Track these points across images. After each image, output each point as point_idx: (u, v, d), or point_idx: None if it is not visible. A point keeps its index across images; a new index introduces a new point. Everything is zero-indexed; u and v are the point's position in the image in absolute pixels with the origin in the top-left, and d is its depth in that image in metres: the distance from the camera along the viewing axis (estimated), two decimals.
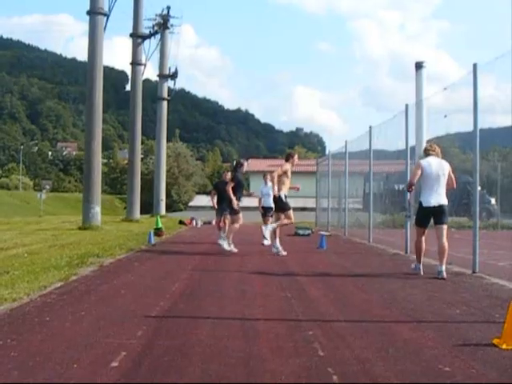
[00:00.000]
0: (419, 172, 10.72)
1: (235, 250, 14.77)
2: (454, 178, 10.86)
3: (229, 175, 17.51)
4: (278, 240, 14.72)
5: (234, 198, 14.90)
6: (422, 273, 10.89)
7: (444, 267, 10.33)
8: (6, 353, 5.04)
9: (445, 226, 10.62)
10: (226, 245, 14.88)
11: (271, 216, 17.71)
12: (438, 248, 10.62)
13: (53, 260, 11.93)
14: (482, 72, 10.82)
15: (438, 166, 10.73)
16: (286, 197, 14.49)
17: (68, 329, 6.03)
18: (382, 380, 4.36)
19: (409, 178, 11.59)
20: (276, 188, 14.27)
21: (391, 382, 4.32)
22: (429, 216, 10.78)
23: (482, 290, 8.99)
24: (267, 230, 14.64)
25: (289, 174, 14.51)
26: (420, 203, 10.91)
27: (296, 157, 15.10)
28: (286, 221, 14.58)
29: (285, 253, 14.30)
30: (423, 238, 11.07)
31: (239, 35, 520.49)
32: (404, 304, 7.70)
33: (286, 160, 14.86)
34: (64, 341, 5.52)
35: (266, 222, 17.79)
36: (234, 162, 16.63)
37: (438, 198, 10.59)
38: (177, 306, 7.52)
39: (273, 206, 16.74)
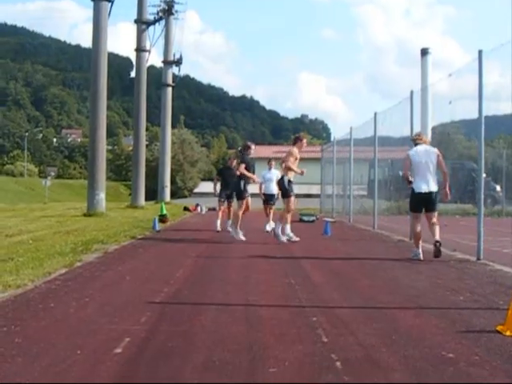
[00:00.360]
0: (408, 163, 11.38)
1: (243, 238, 14.28)
2: (443, 165, 11.35)
3: (234, 162, 17.27)
4: (289, 226, 14.23)
5: (251, 175, 14.64)
6: (421, 257, 11.08)
7: (437, 237, 10.88)
8: (11, 339, 5.05)
9: (435, 213, 11.25)
10: (237, 234, 14.40)
11: (273, 204, 17.53)
12: (429, 228, 11.18)
13: (57, 246, 11.95)
14: (487, 58, 10.77)
15: (425, 154, 11.25)
16: (290, 182, 13.93)
17: (72, 315, 6.04)
18: (386, 366, 4.37)
19: (401, 174, 12.01)
20: (296, 169, 13.82)
21: (394, 368, 4.33)
22: (422, 201, 11.24)
23: (486, 276, 8.99)
24: (279, 230, 13.90)
25: (297, 157, 13.97)
26: (412, 190, 11.36)
27: (305, 141, 14.56)
28: (285, 213, 13.98)
29: (297, 238, 13.94)
30: (419, 223, 11.40)
31: (244, 21, 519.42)
32: (408, 290, 7.71)
33: (294, 143, 14.37)
34: (68, 327, 5.54)
35: (267, 210, 17.67)
36: (241, 146, 15.89)
37: (428, 184, 11.14)
38: (181, 292, 7.53)
39: (275, 192, 16.91)
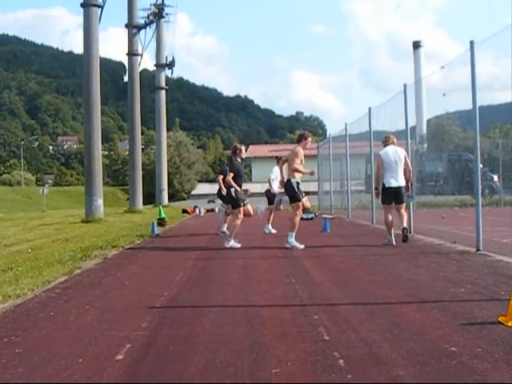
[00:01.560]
0: (380, 162, 12.85)
1: (238, 246, 13.13)
2: (408, 164, 12.88)
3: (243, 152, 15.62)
4: (294, 234, 12.70)
5: (235, 185, 13.35)
6: (394, 243, 12.51)
7: (405, 224, 12.65)
8: (12, 350, 5.03)
9: (403, 205, 12.86)
10: (228, 243, 13.17)
11: (272, 204, 17.01)
12: (398, 217, 12.75)
13: (56, 254, 11.93)
14: (478, 49, 10.75)
15: (394, 154, 12.74)
16: (298, 184, 12.86)
17: (73, 323, 6.02)
18: (389, 362, 4.35)
19: (375, 172, 13.58)
20: (304, 170, 12.79)
21: (397, 364, 4.31)
22: (392, 195, 12.74)
23: (486, 267, 8.98)
24: (292, 238, 12.64)
25: (302, 158, 12.88)
26: (383, 185, 12.86)
27: (309, 139, 13.23)
28: (296, 218, 12.78)
29: (302, 246, 12.50)
30: (390, 213, 12.81)
31: (234, 21, 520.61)
32: (408, 284, 7.69)
33: (298, 142, 13.22)
34: (69, 335, 5.52)
35: (271, 210, 17.07)
36: (232, 148, 14.29)
37: (397, 180, 12.67)
38: (181, 295, 7.52)
39: (274, 191, 16.68)
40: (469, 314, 5.83)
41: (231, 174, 13.45)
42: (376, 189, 13.37)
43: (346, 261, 10.52)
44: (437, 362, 4.30)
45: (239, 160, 13.83)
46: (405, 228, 12.50)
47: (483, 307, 6.09)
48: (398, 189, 12.66)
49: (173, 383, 4.10)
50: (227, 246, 13.11)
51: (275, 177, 16.67)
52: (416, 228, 14.68)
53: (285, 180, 13.16)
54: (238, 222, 13.43)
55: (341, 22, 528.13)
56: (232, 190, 13.41)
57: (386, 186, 12.74)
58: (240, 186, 13.61)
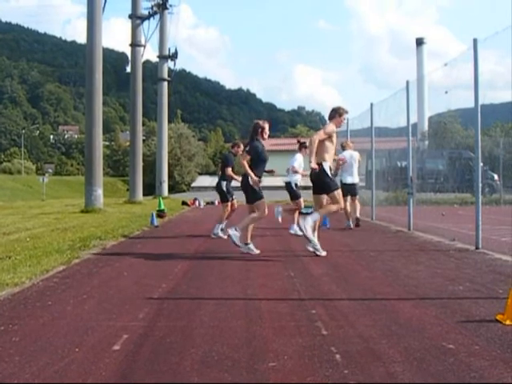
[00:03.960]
0: (341, 162, 15.16)
1: (256, 252, 10.83)
2: (359, 162, 16.55)
3: (241, 149, 13.35)
4: (316, 234, 10.49)
5: (252, 174, 10.67)
6: (351, 226, 15.81)
7: (358, 214, 16.20)
8: (8, 338, 5.02)
9: (356, 197, 16.33)
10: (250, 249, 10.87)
11: (294, 198, 14.38)
12: (353, 206, 16.18)
13: (55, 244, 11.90)
14: (482, 47, 10.73)
15: (350, 157, 15.99)
16: (331, 169, 10.53)
17: (70, 312, 6.01)
18: (386, 358, 4.34)
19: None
20: (313, 158, 10.14)
21: (395, 360, 4.30)
22: (347, 189, 15.47)
23: (485, 265, 8.97)
24: (307, 225, 10.22)
25: (334, 138, 10.56)
26: (341, 181, 15.66)
27: (344, 116, 10.92)
28: (333, 207, 10.42)
29: (324, 253, 10.31)
30: (347, 203, 15.49)
31: (237, 15, 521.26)
32: (407, 281, 7.69)
33: (330, 118, 10.81)
34: (66, 325, 5.51)
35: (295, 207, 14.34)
36: (252, 126, 11.14)
37: (352, 178, 16.14)
38: (179, 287, 7.50)
39: (289, 181, 14.44)
40: (467, 311, 5.83)
41: (247, 157, 10.88)
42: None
43: (344, 256, 10.51)
44: (434, 359, 4.29)
45: (260, 141, 11.03)
46: (358, 218, 16.12)
47: (481, 305, 6.09)
48: (353, 185, 16.07)
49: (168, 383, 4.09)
50: (244, 250, 10.78)
51: (299, 165, 14.41)
52: (415, 225, 14.67)
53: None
54: (256, 215, 10.92)
55: (344, 18, 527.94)
56: (250, 179, 10.76)
57: (343, 182, 15.85)
58: (260, 174, 10.93)
